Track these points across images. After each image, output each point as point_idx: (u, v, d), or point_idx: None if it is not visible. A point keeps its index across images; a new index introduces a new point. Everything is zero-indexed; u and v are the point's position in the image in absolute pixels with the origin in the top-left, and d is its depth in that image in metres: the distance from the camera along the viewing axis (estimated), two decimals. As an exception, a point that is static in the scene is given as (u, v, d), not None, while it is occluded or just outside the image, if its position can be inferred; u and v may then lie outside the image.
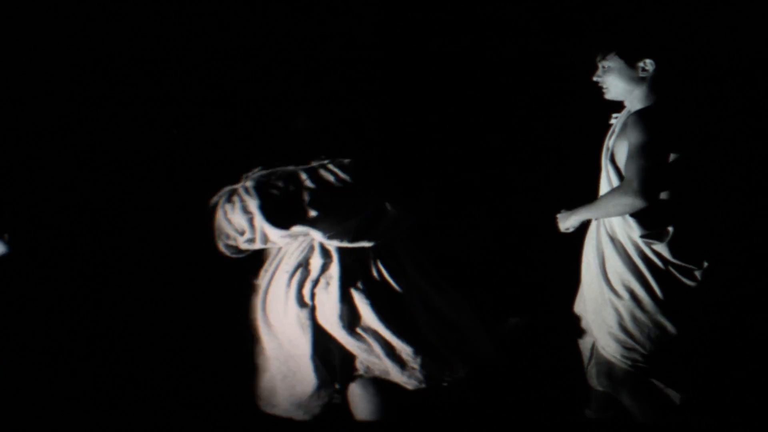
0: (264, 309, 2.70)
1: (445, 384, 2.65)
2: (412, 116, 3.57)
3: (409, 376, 2.58)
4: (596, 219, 2.55)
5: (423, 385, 2.58)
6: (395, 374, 2.59)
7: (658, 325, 2.41)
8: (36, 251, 3.06)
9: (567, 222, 2.60)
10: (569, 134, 3.47)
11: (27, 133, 3.10)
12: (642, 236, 2.39)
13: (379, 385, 2.64)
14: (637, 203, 2.26)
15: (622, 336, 2.44)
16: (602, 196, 2.44)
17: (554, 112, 3.57)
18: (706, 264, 2.41)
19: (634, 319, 2.42)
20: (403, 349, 2.57)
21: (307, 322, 2.60)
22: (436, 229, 3.51)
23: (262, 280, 2.74)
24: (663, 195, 2.38)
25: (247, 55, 3.35)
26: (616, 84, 2.40)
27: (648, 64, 2.33)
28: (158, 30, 3.13)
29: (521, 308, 3.41)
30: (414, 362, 2.57)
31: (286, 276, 2.65)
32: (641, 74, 2.35)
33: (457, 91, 3.59)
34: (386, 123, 3.54)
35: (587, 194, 2.78)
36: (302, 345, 2.61)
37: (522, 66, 3.52)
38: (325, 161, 2.70)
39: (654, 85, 2.35)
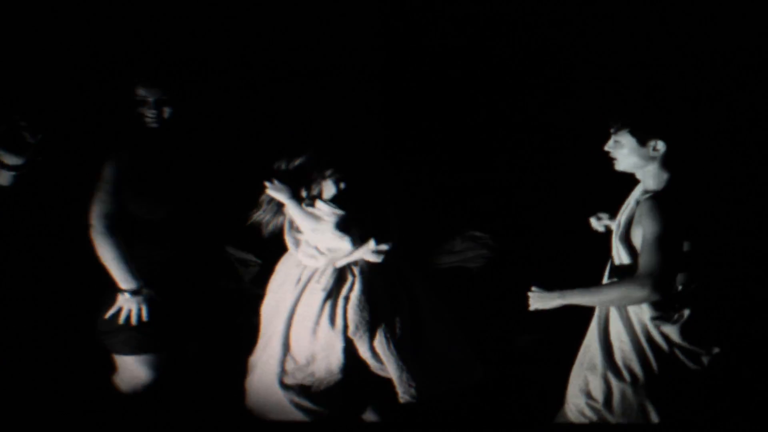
0: (288, 328, 2.79)
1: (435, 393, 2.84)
2: (411, 118, 3.58)
3: (403, 392, 2.80)
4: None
5: (413, 400, 2.80)
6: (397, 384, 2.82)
7: (643, 409, 2.35)
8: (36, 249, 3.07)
9: (548, 303, 2.45)
10: (571, 135, 3.47)
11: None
12: (652, 318, 2.34)
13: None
14: (653, 297, 2.22)
15: (604, 411, 2.38)
16: (608, 286, 2.36)
17: (554, 113, 3.58)
18: (716, 350, 2.35)
19: (623, 398, 2.35)
20: (404, 371, 2.78)
21: (339, 343, 2.74)
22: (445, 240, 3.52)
23: (282, 297, 2.83)
24: (678, 277, 2.34)
25: (248, 59, 3.37)
26: (627, 159, 2.37)
27: (660, 144, 2.30)
28: (157, 31, 3.14)
29: (535, 323, 3.38)
30: (410, 382, 2.79)
31: (323, 294, 2.75)
32: (652, 153, 2.32)
33: (456, 93, 3.59)
34: (386, 124, 3.56)
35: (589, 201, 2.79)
36: (333, 362, 2.77)
37: (521, 67, 3.53)
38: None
39: (666, 162, 2.32)
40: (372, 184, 2.86)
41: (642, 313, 2.35)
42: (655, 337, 2.35)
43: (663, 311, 2.34)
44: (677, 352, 2.34)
